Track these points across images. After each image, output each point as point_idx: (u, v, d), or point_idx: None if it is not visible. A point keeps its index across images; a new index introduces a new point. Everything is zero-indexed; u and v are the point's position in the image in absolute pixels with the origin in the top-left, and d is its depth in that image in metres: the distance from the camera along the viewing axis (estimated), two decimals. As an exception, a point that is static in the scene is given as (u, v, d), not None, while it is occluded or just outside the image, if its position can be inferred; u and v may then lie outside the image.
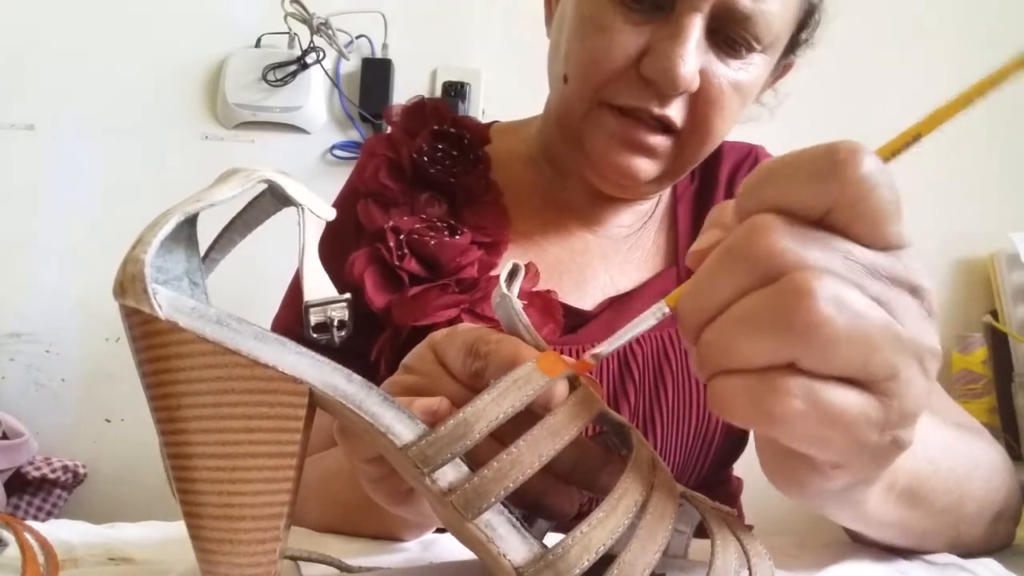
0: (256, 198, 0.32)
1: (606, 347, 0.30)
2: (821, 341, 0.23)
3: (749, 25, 0.54)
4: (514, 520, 0.26)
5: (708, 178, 0.72)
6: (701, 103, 0.56)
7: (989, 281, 1.40)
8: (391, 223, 0.61)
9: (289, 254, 0.64)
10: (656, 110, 0.55)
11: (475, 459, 0.27)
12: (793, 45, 0.62)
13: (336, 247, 0.62)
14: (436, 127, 0.68)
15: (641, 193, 0.65)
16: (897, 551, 0.43)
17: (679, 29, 0.52)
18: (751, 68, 0.57)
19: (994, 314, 1.37)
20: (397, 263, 0.60)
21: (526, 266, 0.62)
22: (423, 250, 0.60)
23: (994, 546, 0.46)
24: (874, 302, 0.24)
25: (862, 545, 0.44)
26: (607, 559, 0.25)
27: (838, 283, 0.23)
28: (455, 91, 1.45)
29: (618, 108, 0.57)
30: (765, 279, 0.24)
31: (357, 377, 0.27)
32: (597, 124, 0.58)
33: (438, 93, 1.47)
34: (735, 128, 0.68)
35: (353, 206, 0.65)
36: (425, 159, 0.65)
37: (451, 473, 0.26)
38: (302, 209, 0.29)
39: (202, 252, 0.32)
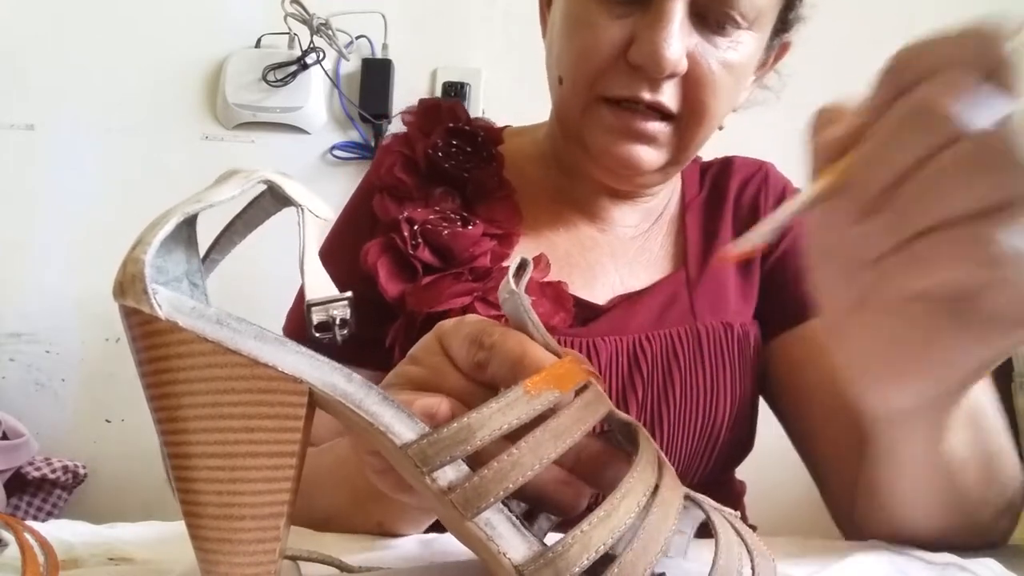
0: (256, 199, 0.32)
1: (761, 231, 0.29)
2: None
3: (732, 3, 0.55)
4: (514, 519, 0.26)
5: (717, 190, 0.73)
6: (693, 85, 0.57)
7: (989, 281, 1.39)
8: (405, 214, 0.62)
9: (290, 254, 0.64)
10: (648, 97, 0.57)
11: (476, 458, 0.27)
12: (784, 23, 0.63)
13: (352, 242, 0.63)
14: (451, 124, 0.69)
15: (646, 184, 0.66)
16: (895, 550, 0.43)
17: (661, 14, 0.54)
18: (740, 47, 0.58)
19: (994, 314, 1.36)
20: (411, 252, 0.61)
21: (537, 257, 0.63)
22: (437, 240, 0.61)
23: (993, 537, 0.47)
24: None
25: (862, 545, 0.44)
26: (607, 558, 0.25)
27: None
28: (455, 91, 1.45)
29: (614, 101, 0.58)
30: (962, 134, 0.25)
31: (357, 376, 0.27)
32: (595, 120, 0.59)
33: (438, 93, 1.47)
34: (742, 113, 0.68)
35: (369, 202, 0.67)
36: (439, 154, 0.66)
37: (451, 472, 0.26)
38: (302, 209, 0.29)
39: (202, 253, 0.32)
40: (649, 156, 0.60)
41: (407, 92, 1.47)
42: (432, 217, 0.62)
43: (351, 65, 1.51)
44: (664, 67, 0.54)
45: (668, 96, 0.57)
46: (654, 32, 0.54)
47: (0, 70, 1.52)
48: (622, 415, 0.31)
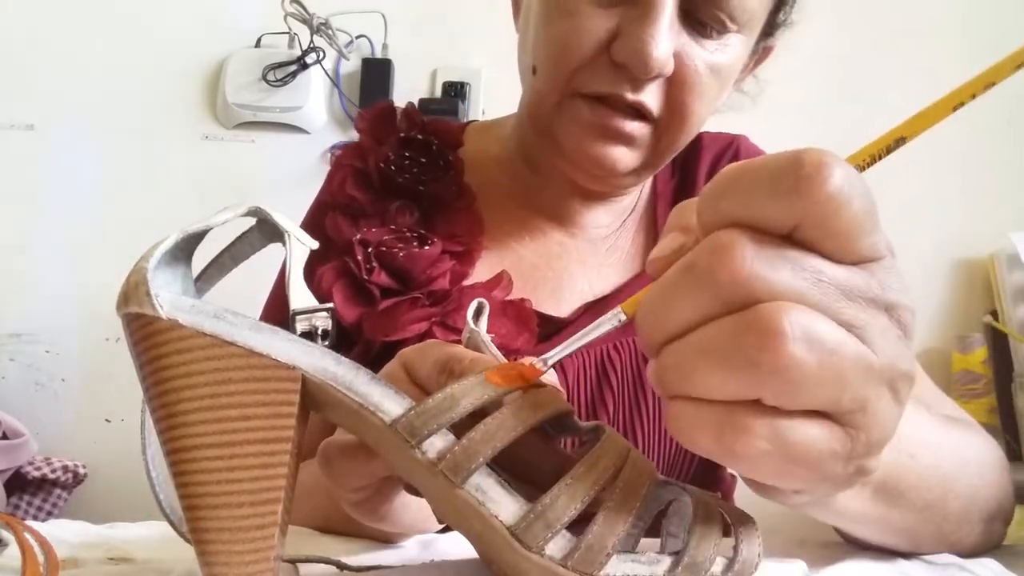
0: (244, 234, 0.34)
1: (557, 353, 0.29)
2: (791, 383, 0.22)
3: (723, 3, 0.52)
4: (502, 481, 0.27)
5: (688, 174, 0.69)
6: (677, 87, 0.54)
7: (989, 281, 1.40)
8: (359, 236, 0.60)
9: (272, 271, 0.63)
10: (630, 96, 0.53)
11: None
12: (771, 27, 0.60)
13: (307, 265, 0.62)
14: (402, 134, 0.66)
15: (620, 185, 0.63)
16: (895, 551, 0.43)
17: (649, 9, 0.51)
18: (728, 49, 0.55)
19: (994, 314, 1.37)
20: (366, 277, 0.58)
21: (499, 275, 0.61)
22: (392, 262, 0.59)
23: (989, 546, 0.45)
24: (846, 331, 0.22)
25: (861, 545, 0.44)
26: (587, 516, 0.26)
27: (809, 316, 0.22)
28: (455, 91, 1.46)
29: (591, 96, 0.55)
30: (729, 306, 0.23)
31: (346, 360, 0.28)
32: (570, 115, 0.56)
33: (438, 93, 1.47)
34: (723, 121, 0.66)
35: (322, 221, 0.64)
36: (392, 168, 0.63)
37: (439, 442, 0.27)
38: (289, 236, 0.31)
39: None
40: (625, 157, 0.56)
41: (407, 92, 1.47)
42: (387, 238, 0.60)
43: (351, 65, 1.51)
44: (651, 67, 0.51)
45: (650, 97, 0.54)
46: (642, 28, 0.50)
47: (0, 70, 1.52)
48: (586, 423, 0.32)
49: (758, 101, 0.68)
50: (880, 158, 0.25)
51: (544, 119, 0.58)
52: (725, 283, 0.22)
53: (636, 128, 0.55)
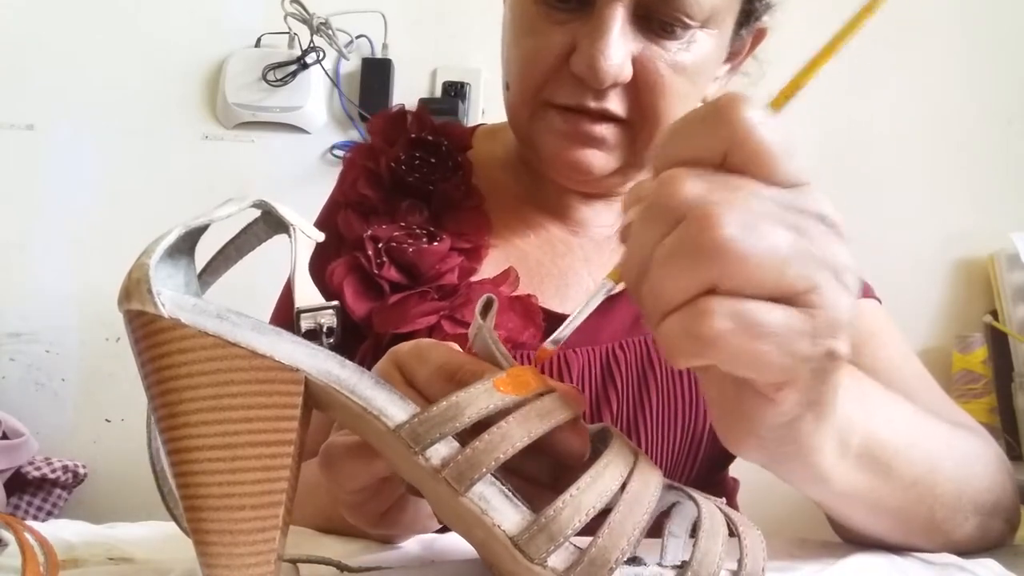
0: (249, 225, 0.33)
1: (563, 331, 0.31)
2: (732, 259, 0.24)
3: (676, 3, 0.53)
4: (506, 491, 0.27)
5: None
6: (641, 91, 0.56)
7: (989, 281, 1.40)
8: (370, 232, 0.62)
9: (278, 266, 0.64)
10: (594, 105, 0.56)
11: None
12: (749, 14, 0.60)
13: (319, 262, 0.62)
14: (413, 135, 0.68)
15: (608, 185, 0.65)
16: (895, 551, 0.43)
17: (599, 23, 0.53)
18: (693, 47, 0.56)
19: (994, 314, 1.37)
20: (376, 271, 0.60)
21: (506, 272, 0.62)
22: (402, 257, 0.60)
23: (988, 543, 0.46)
24: (781, 226, 0.25)
25: (861, 545, 0.44)
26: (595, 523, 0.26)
27: (742, 210, 0.25)
28: (455, 91, 1.46)
29: (561, 106, 0.57)
30: (678, 222, 0.26)
31: (350, 363, 0.28)
32: (544, 124, 0.59)
33: (438, 93, 1.47)
34: None
35: (335, 219, 0.65)
36: (403, 167, 0.65)
37: (443, 449, 0.27)
38: (294, 229, 0.31)
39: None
40: (599, 160, 0.58)
41: (407, 92, 1.47)
42: (397, 234, 0.61)
43: (351, 65, 1.51)
44: (603, 79, 0.53)
45: (615, 103, 0.56)
46: (592, 42, 0.53)
47: (0, 70, 1.52)
48: (592, 425, 0.32)
49: (760, 84, 0.67)
50: (786, 102, 0.30)
51: (522, 130, 0.62)
52: (671, 206, 0.26)
53: (606, 130, 0.57)
